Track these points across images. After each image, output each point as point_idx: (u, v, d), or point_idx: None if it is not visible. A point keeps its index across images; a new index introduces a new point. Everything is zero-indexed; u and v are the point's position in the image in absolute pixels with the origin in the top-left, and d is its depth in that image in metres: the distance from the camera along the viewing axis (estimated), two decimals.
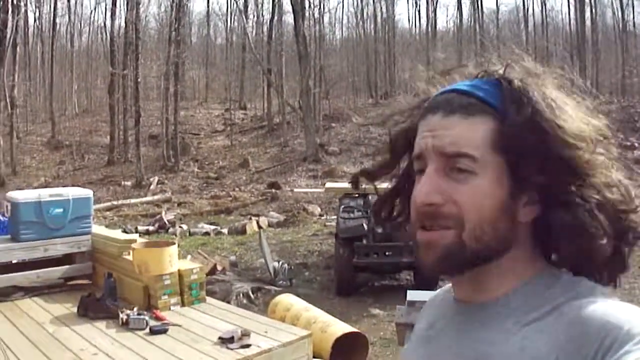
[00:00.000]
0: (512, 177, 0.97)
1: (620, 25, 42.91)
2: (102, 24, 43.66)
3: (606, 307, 0.90)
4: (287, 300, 7.28)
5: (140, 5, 30.61)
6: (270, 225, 16.84)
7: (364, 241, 9.60)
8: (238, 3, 40.46)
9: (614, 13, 43.85)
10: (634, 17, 44.60)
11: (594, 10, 40.19)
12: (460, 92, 1.01)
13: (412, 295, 4.46)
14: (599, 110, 1.04)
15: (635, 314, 0.88)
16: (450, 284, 1.13)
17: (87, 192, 6.83)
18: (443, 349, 1.07)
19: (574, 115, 0.98)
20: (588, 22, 39.04)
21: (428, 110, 1.04)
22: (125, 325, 5.08)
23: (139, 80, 28.12)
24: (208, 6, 50.53)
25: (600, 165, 0.98)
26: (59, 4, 40.97)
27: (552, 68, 1.04)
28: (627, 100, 32.64)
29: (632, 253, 1.00)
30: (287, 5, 37.16)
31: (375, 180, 1.19)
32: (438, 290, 1.24)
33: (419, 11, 51.51)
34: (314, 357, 5.21)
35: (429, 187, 0.98)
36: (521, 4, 46.60)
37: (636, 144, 23.64)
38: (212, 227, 16.27)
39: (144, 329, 5.01)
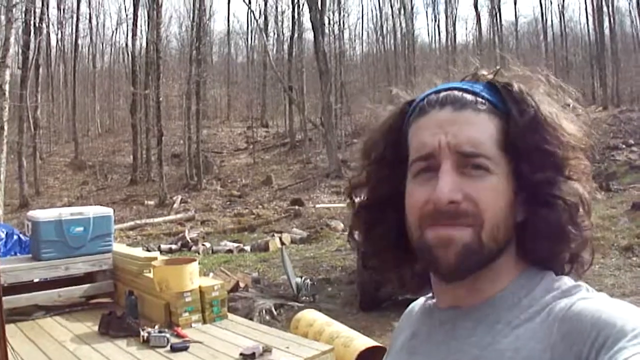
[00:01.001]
0: (514, 176, 0.98)
1: (639, 34, 42.66)
2: (124, 44, 44.29)
3: (598, 304, 0.89)
4: (310, 316, 7.21)
5: (161, 25, 30.95)
6: (293, 241, 16.80)
7: None
8: (258, 21, 40.70)
9: (632, 22, 43.76)
10: None
11: (612, 20, 39.94)
12: (463, 89, 1.01)
13: None
14: (581, 118, 1.05)
15: (627, 310, 0.86)
16: (430, 295, 1.12)
17: (108, 211, 6.85)
18: (431, 356, 1.04)
19: (565, 120, 1.00)
20: (607, 32, 38.80)
21: (429, 107, 1.01)
22: (146, 343, 5.06)
23: (160, 99, 28.41)
24: (228, 25, 50.81)
25: (584, 170, 1.00)
26: (80, 26, 41.67)
27: (537, 74, 1.05)
28: None
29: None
30: (307, 23, 37.38)
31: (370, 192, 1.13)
32: (412, 304, 1.22)
33: (438, 25, 51.59)
34: None
35: (451, 184, 0.95)
36: (540, 15, 46.59)
37: None
38: (235, 244, 16.26)
39: (164, 347, 4.99)
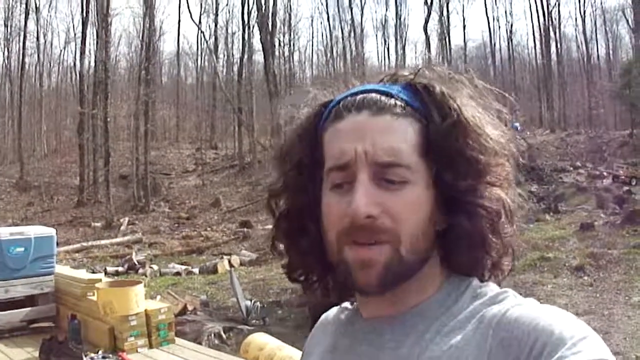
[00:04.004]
0: (435, 183, 0.92)
1: (585, 59, 44.05)
2: (72, 64, 43.54)
3: (532, 310, 0.86)
4: (260, 340, 7.04)
5: (110, 45, 30.58)
6: (242, 264, 16.70)
7: None
8: (208, 43, 40.62)
9: (578, 47, 45.13)
10: (597, 50, 45.84)
11: (559, 45, 41.13)
12: (380, 92, 0.95)
13: None
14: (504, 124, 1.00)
15: (563, 317, 0.84)
16: (346, 304, 1.07)
17: (50, 231, 6.61)
18: None
19: (489, 125, 0.96)
20: (554, 56, 39.91)
21: (345, 110, 0.95)
22: None
23: (108, 119, 27.96)
24: (178, 46, 50.17)
25: (507, 177, 0.96)
26: (27, 44, 40.73)
27: (461, 76, 1.00)
28: (594, 131, 33.23)
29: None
30: (257, 44, 37.45)
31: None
32: (325, 314, 1.15)
33: (388, 48, 52.11)
34: None
35: (367, 198, 0.89)
36: (488, 39, 47.57)
37: (605, 173, 23.94)
38: (183, 267, 16.09)
39: None
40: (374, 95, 0.94)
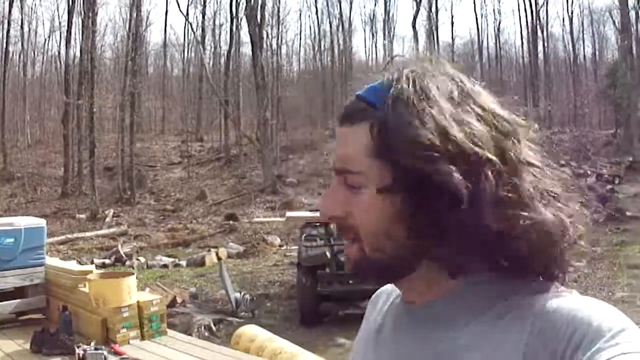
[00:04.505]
0: (400, 183, 0.91)
1: (572, 58, 44.33)
2: (57, 53, 43.11)
3: (572, 302, 0.87)
4: (251, 331, 7.06)
5: (96, 34, 30.32)
6: (229, 256, 16.68)
7: (327, 269, 9.52)
8: (196, 34, 40.36)
9: (565, 47, 45.38)
10: (584, 50, 46.13)
11: (546, 44, 41.37)
12: (357, 97, 0.97)
13: None
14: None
15: (603, 309, 0.85)
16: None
17: (40, 222, 6.53)
18: (395, 354, 1.02)
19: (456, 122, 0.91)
20: (541, 55, 40.08)
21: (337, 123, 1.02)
22: None
23: (94, 110, 27.72)
24: (165, 36, 49.76)
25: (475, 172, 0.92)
26: (11, 32, 40.23)
27: (437, 64, 0.99)
28: (579, 130, 33.50)
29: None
30: (244, 37, 37.31)
31: None
32: (379, 290, 1.19)
33: (375, 43, 52.13)
34: None
35: (329, 200, 0.98)
36: (476, 37, 47.67)
37: (589, 172, 24.10)
38: (171, 259, 16.05)
39: None
40: (349, 102, 0.98)
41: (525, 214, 0.89)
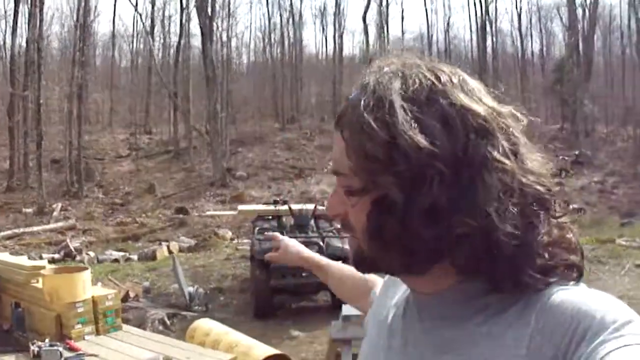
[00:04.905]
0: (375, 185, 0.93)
1: (520, 54, 45.14)
2: (2, 42, 41.96)
3: (576, 295, 0.88)
4: (206, 325, 7.06)
5: (43, 24, 29.63)
6: (181, 250, 16.58)
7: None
8: (145, 25, 39.80)
9: (513, 42, 46.16)
10: (532, 46, 47.04)
11: (494, 39, 41.98)
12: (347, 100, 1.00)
13: (347, 309, 4.37)
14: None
15: (608, 301, 0.86)
16: None
17: None
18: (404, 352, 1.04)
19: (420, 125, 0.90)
20: (489, 50, 40.70)
21: None
22: (38, 358, 4.76)
23: (40, 102, 27.10)
24: (113, 27, 48.85)
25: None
26: None
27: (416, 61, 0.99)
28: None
29: None
30: (194, 29, 36.97)
31: None
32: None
33: (325, 36, 52.11)
34: None
35: (330, 200, 1.03)
36: (426, 31, 48.14)
37: None
38: (121, 253, 15.86)
39: None
40: (342, 106, 1.01)
41: (467, 220, 0.87)
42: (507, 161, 0.90)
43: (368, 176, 0.92)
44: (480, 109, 0.92)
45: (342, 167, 0.97)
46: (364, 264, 1.02)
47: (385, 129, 0.89)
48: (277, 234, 2.03)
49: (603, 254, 13.40)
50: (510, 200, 0.88)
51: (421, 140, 0.87)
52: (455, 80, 0.95)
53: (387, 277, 1.25)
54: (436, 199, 0.87)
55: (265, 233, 8.26)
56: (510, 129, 0.95)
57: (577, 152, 28.55)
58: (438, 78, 0.94)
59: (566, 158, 27.22)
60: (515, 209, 0.88)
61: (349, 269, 1.76)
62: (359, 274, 1.63)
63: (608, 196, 24.72)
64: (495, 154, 0.90)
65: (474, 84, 0.98)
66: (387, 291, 1.21)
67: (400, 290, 1.14)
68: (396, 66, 0.96)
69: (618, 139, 33.95)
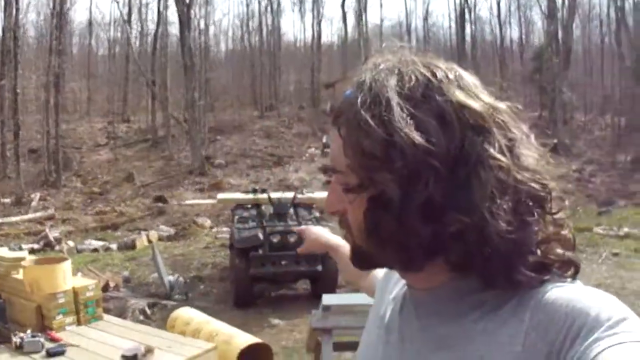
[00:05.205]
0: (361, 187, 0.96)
1: (499, 42, 45.32)
2: None
3: (571, 292, 0.88)
4: (186, 314, 7.11)
5: (19, 12, 29.26)
6: (160, 239, 16.55)
7: (260, 251, 9.55)
8: (122, 12, 39.48)
9: (492, 30, 46.35)
10: (510, 34, 47.25)
11: (473, 27, 42.14)
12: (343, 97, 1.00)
13: (327, 299, 4.42)
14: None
15: (602, 298, 0.85)
16: None
17: None
18: (401, 350, 1.06)
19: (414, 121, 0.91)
20: (468, 38, 40.81)
21: None
22: (20, 349, 4.79)
23: (17, 91, 26.82)
24: (90, 15, 48.56)
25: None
26: None
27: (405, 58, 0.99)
28: None
29: None
30: (171, 16, 36.68)
31: None
32: None
33: (304, 24, 51.97)
34: None
35: (329, 197, 1.04)
36: (404, 19, 48.20)
37: None
38: (101, 243, 15.80)
39: (39, 352, 4.75)
40: (339, 102, 1.01)
41: (462, 217, 0.88)
42: (503, 158, 0.91)
43: (365, 173, 0.93)
44: (476, 105, 0.93)
45: (340, 165, 0.98)
46: (361, 261, 1.03)
47: (382, 126, 0.90)
48: (303, 227, 2.02)
49: (580, 242, 13.48)
50: (504, 197, 0.89)
51: (417, 137, 0.88)
52: (451, 76, 0.96)
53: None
54: (432, 196, 0.88)
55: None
56: (507, 125, 0.96)
57: (555, 141, 28.77)
58: (434, 74, 0.95)
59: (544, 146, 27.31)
60: (510, 206, 0.89)
61: None
62: None
63: (586, 184, 24.86)
64: (491, 151, 0.91)
65: (471, 79, 0.99)
66: (387, 284, 1.23)
67: (399, 285, 1.16)
68: (392, 63, 0.97)
69: (596, 128, 34.27)
